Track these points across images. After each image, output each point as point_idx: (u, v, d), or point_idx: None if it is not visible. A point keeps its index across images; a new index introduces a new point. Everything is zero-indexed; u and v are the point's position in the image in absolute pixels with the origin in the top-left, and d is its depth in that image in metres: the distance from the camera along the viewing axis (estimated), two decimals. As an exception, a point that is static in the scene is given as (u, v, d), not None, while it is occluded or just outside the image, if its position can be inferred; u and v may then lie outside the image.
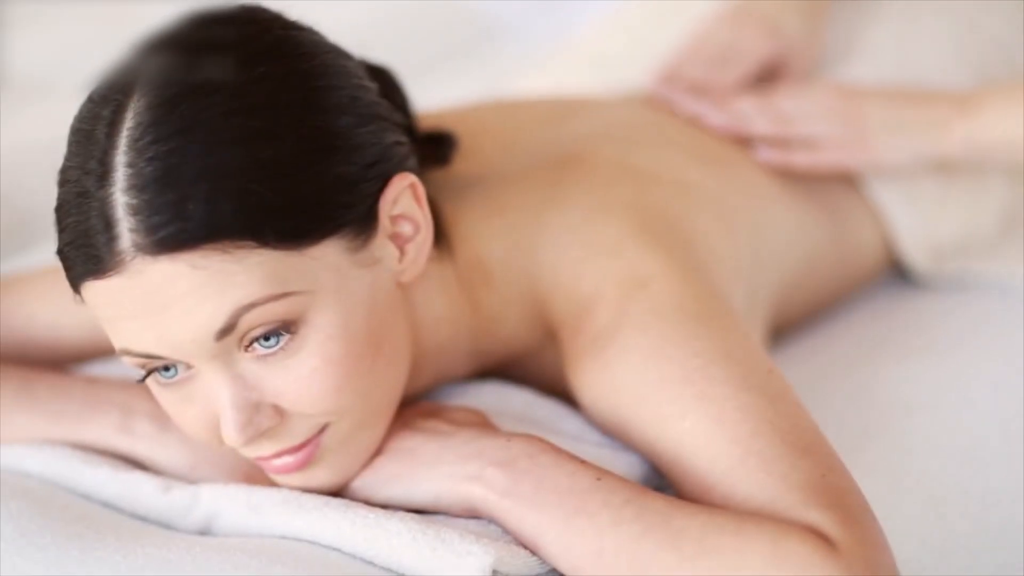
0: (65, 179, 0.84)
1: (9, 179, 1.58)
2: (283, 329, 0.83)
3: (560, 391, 1.02)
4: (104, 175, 0.81)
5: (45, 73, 2.08)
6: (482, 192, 1.02)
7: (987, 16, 1.34)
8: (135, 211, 0.80)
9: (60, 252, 0.84)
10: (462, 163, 1.04)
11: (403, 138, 0.92)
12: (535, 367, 1.04)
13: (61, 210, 0.83)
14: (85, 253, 0.81)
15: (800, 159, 1.20)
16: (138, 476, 0.94)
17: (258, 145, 0.81)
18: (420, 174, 0.91)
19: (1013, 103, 1.18)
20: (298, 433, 0.87)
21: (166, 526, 0.93)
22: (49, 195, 0.89)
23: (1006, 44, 1.33)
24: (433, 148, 1.01)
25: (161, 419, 0.97)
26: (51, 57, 2.11)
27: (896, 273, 1.31)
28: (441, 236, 0.95)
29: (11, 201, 1.57)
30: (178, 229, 0.79)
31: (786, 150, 1.20)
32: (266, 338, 0.83)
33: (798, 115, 1.21)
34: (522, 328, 1.01)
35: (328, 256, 0.84)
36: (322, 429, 0.87)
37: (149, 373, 0.86)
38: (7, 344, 1.03)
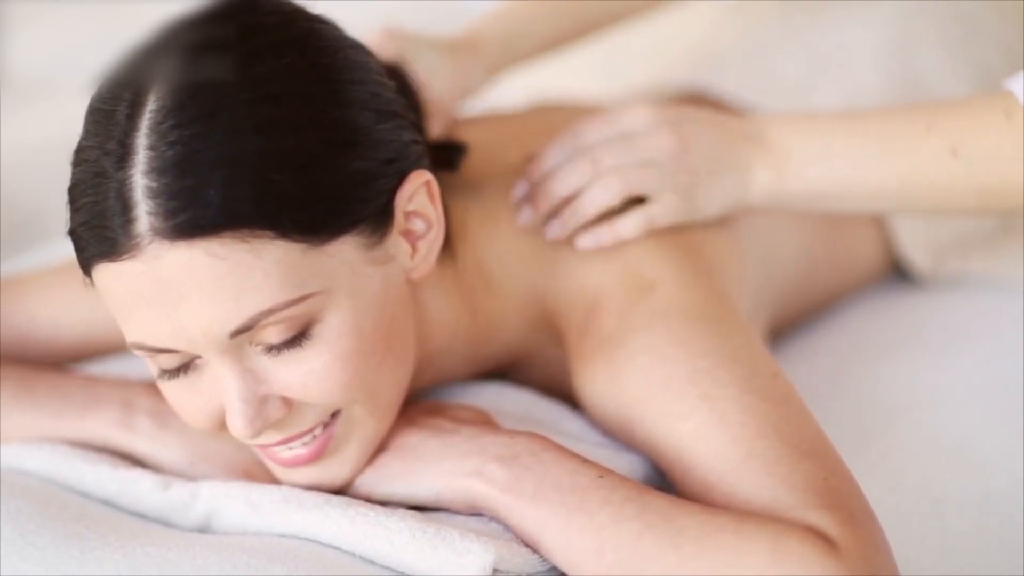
0: (82, 158, 0.83)
1: (9, 179, 1.58)
2: (296, 326, 0.83)
3: (560, 393, 1.02)
4: (124, 156, 0.80)
5: (45, 73, 2.09)
6: (484, 198, 1.02)
7: (988, 16, 1.34)
8: (154, 194, 0.79)
9: (72, 232, 0.83)
10: (466, 168, 1.04)
11: (419, 136, 0.92)
12: (536, 369, 1.04)
13: (76, 189, 0.83)
14: (100, 234, 0.81)
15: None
16: (137, 473, 0.94)
17: (280, 134, 0.81)
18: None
19: (822, 148, 0.99)
20: (305, 421, 0.87)
21: (165, 523, 0.93)
22: (49, 195, 0.89)
23: (1006, 44, 1.33)
24: (442, 153, 1.02)
25: (161, 416, 0.97)
26: (51, 57, 2.11)
27: (896, 273, 1.31)
28: (446, 239, 0.96)
29: (11, 201, 1.57)
30: (196, 214, 0.79)
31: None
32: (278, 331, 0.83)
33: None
34: (523, 332, 1.01)
35: (344, 252, 0.84)
36: (331, 418, 0.88)
37: (164, 372, 0.86)
38: (7, 343, 1.03)
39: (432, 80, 1.07)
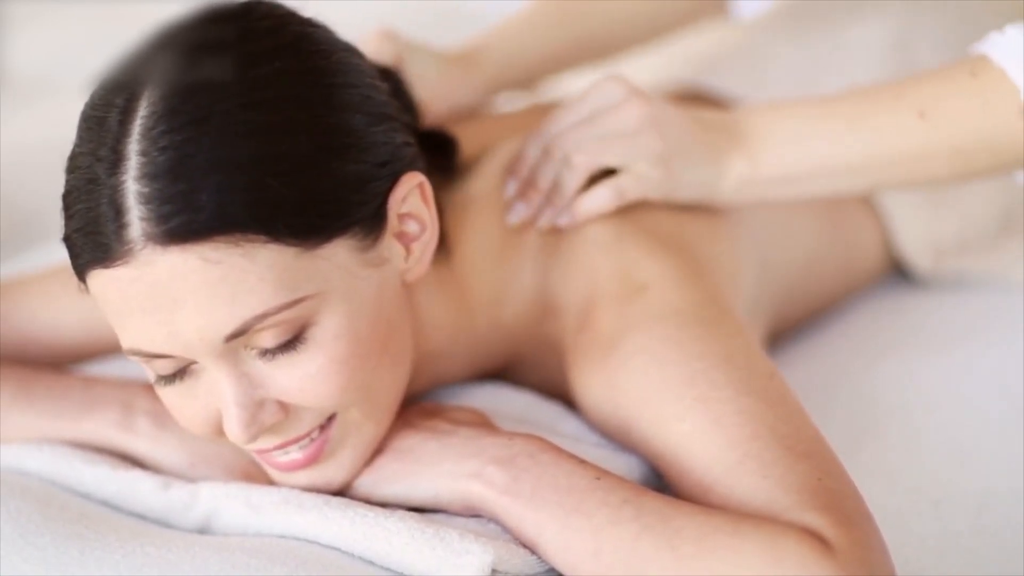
0: (75, 165, 0.83)
1: (9, 179, 1.58)
2: (292, 330, 0.83)
3: (558, 395, 1.02)
4: (116, 162, 0.80)
5: (45, 73, 2.09)
6: (480, 199, 1.03)
7: (988, 16, 1.34)
8: (146, 200, 0.79)
9: (67, 239, 0.83)
10: (462, 169, 1.04)
11: (412, 139, 0.92)
12: (533, 371, 1.04)
13: (70, 196, 0.83)
14: (93, 240, 0.81)
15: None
16: (137, 474, 0.95)
17: (272, 139, 0.81)
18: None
19: (796, 129, 1.00)
20: (302, 425, 0.87)
21: (165, 524, 0.93)
22: (49, 195, 0.89)
23: None
24: (435, 155, 1.02)
25: (161, 417, 0.97)
26: (51, 57, 2.12)
27: (896, 272, 1.31)
28: (441, 241, 0.96)
29: (11, 201, 1.57)
30: (188, 219, 0.79)
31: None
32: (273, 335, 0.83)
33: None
34: (519, 334, 1.01)
35: (338, 256, 0.84)
36: (328, 421, 0.88)
37: (161, 378, 0.86)
38: (8, 343, 1.03)
39: (417, 85, 1.07)
